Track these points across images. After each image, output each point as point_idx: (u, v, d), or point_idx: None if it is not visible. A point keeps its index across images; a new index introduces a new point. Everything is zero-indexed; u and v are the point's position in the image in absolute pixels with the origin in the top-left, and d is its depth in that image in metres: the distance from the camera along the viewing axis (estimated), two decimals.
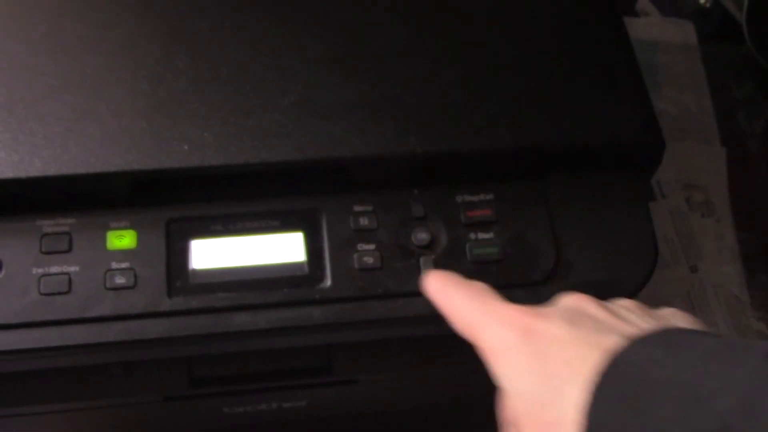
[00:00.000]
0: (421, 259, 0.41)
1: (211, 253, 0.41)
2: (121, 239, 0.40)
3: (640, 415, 0.29)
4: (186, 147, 0.41)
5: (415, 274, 0.41)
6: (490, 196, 0.43)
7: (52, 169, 0.40)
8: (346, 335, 0.42)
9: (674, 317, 0.36)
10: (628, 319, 0.35)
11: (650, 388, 0.30)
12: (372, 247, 0.41)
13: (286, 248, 0.41)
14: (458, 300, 0.38)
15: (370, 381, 0.48)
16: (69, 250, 0.40)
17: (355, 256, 0.41)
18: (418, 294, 0.41)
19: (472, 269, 0.41)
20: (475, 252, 0.42)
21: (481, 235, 0.42)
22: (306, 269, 0.41)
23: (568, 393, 0.31)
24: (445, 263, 0.41)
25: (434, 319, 0.41)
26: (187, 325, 0.39)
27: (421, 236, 0.42)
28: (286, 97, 0.43)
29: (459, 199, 0.43)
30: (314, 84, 0.44)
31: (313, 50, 0.45)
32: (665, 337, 0.32)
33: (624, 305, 0.37)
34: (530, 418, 0.33)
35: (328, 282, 0.41)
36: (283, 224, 0.42)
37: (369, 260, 0.41)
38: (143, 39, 0.45)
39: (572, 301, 0.36)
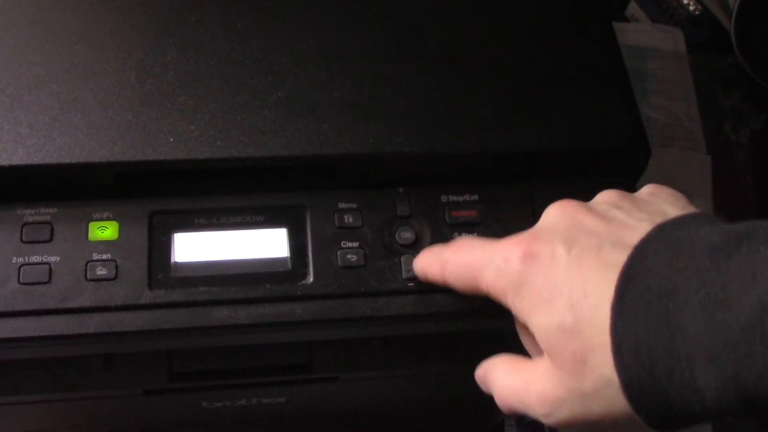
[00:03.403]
0: (403, 258, 0.41)
1: (193, 247, 0.41)
2: (103, 230, 0.40)
3: (666, 324, 0.29)
4: (171, 140, 0.41)
5: (398, 272, 0.41)
6: (475, 197, 0.43)
7: (36, 158, 0.39)
8: (328, 332, 0.42)
9: (659, 200, 0.36)
10: (621, 221, 0.34)
11: (671, 296, 0.29)
12: (356, 244, 0.41)
13: (269, 244, 0.41)
14: (448, 257, 0.38)
15: (351, 379, 0.48)
16: (50, 240, 0.39)
17: (339, 253, 0.41)
18: (400, 292, 0.41)
19: None
20: None
21: (466, 236, 0.42)
22: (289, 265, 0.41)
23: (591, 318, 0.31)
24: None
25: (416, 318, 0.41)
26: (168, 319, 0.39)
27: (406, 235, 0.42)
28: (274, 93, 0.43)
29: (444, 199, 0.43)
30: (303, 81, 0.43)
31: (303, 47, 0.45)
32: (666, 237, 0.31)
33: (610, 201, 0.36)
34: (558, 349, 0.32)
35: (311, 279, 0.40)
36: (267, 220, 0.42)
37: (352, 258, 0.41)
38: (132, 30, 0.44)
39: (560, 214, 0.35)
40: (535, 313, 0.33)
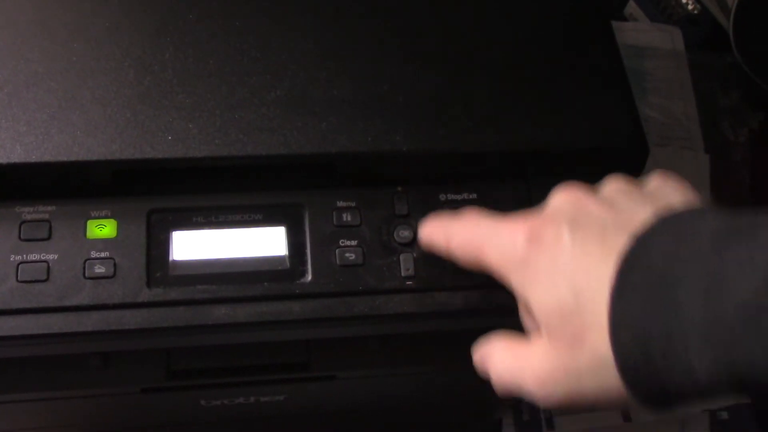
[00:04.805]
0: (402, 257, 0.41)
1: (192, 245, 0.41)
2: (102, 228, 0.40)
3: (663, 307, 0.30)
4: (170, 138, 0.41)
5: (397, 271, 0.41)
6: (473, 196, 0.43)
7: (34, 156, 0.39)
8: (326, 331, 0.42)
9: (665, 190, 0.36)
10: (626, 208, 0.35)
11: (669, 281, 0.30)
12: (354, 243, 0.41)
13: (267, 242, 0.41)
14: (455, 230, 0.38)
15: (348, 377, 0.48)
16: (48, 237, 0.39)
17: (337, 251, 0.41)
18: (399, 291, 0.41)
19: (453, 268, 0.41)
20: None
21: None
22: (287, 264, 0.41)
23: (591, 299, 0.32)
24: (426, 261, 0.41)
25: (415, 316, 0.41)
26: (166, 317, 0.39)
27: (404, 233, 0.42)
28: (273, 91, 0.43)
29: (442, 197, 0.43)
30: (302, 79, 0.43)
31: (301, 46, 0.45)
32: (670, 225, 0.32)
33: (615, 189, 0.36)
34: (558, 328, 0.33)
35: (309, 277, 0.40)
36: (266, 218, 0.42)
37: (350, 256, 0.41)
38: (130, 28, 0.44)
39: (565, 199, 0.36)
40: (537, 293, 0.34)
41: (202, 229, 0.41)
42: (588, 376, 0.32)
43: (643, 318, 0.30)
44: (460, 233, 0.38)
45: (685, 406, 0.31)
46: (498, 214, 0.38)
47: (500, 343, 0.37)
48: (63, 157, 0.40)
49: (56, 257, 0.39)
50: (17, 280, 0.39)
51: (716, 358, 0.28)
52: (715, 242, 0.30)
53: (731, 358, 0.28)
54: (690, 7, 0.83)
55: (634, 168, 0.46)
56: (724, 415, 0.72)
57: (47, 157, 0.39)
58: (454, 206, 0.43)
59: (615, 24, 0.63)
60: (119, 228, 0.40)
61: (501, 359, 0.37)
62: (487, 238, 0.37)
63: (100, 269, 0.39)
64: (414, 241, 0.42)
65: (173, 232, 0.41)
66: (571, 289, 0.33)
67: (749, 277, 0.28)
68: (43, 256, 0.39)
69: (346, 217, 0.42)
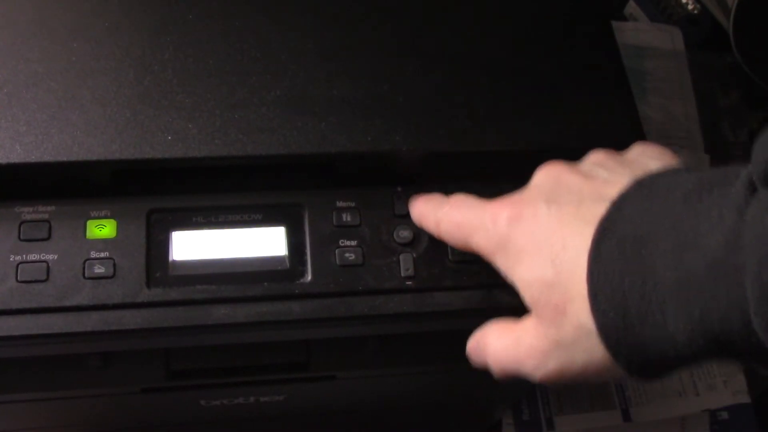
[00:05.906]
0: (402, 257, 0.41)
1: (191, 245, 0.41)
2: (101, 229, 0.40)
3: (639, 270, 0.30)
4: (169, 138, 0.41)
5: (397, 271, 0.41)
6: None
7: (34, 156, 0.39)
8: (325, 331, 0.42)
9: (645, 157, 0.37)
10: (603, 179, 0.35)
11: (644, 242, 0.30)
12: (354, 243, 0.41)
13: (267, 242, 0.41)
14: (443, 215, 0.39)
15: (348, 377, 0.48)
16: (48, 238, 0.39)
17: (337, 252, 0.41)
18: (398, 291, 0.41)
19: (453, 268, 0.42)
20: (456, 251, 0.42)
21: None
22: (287, 264, 0.41)
23: (570, 270, 0.32)
24: (426, 261, 0.41)
25: (414, 316, 0.41)
26: (166, 317, 0.39)
27: (404, 234, 0.42)
28: (272, 91, 0.43)
29: None
30: (301, 79, 0.43)
31: (301, 45, 0.45)
32: (644, 188, 0.32)
33: (595, 161, 0.37)
34: (541, 302, 0.33)
35: (309, 277, 0.41)
36: (265, 218, 0.42)
37: (350, 256, 0.41)
38: (130, 28, 0.44)
39: (546, 175, 0.37)
40: (519, 270, 0.35)
41: (202, 229, 0.41)
42: (574, 346, 0.33)
43: (620, 284, 0.30)
44: (449, 217, 0.39)
45: (670, 373, 0.31)
46: (484, 199, 0.38)
47: (495, 327, 0.38)
48: (63, 157, 0.40)
49: (56, 257, 0.39)
50: (17, 280, 0.39)
51: (690, 319, 0.28)
52: (687, 199, 0.30)
53: (704, 318, 0.28)
54: (690, 7, 0.83)
55: None
56: (724, 415, 0.72)
57: (47, 157, 0.39)
58: None
59: (615, 24, 0.63)
60: (119, 228, 0.40)
61: (497, 340, 0.37)
62: (473, 223, 0.37)
63: (99, 269, 0.39)
64: (414, 241, 0.42)
65: (173, 232, 0.41)
66: (550, 262, 0.33)
67: (718, 233, 0.28)
68: (43, 256, 0.39)
69: (346, 217, 0.42)
